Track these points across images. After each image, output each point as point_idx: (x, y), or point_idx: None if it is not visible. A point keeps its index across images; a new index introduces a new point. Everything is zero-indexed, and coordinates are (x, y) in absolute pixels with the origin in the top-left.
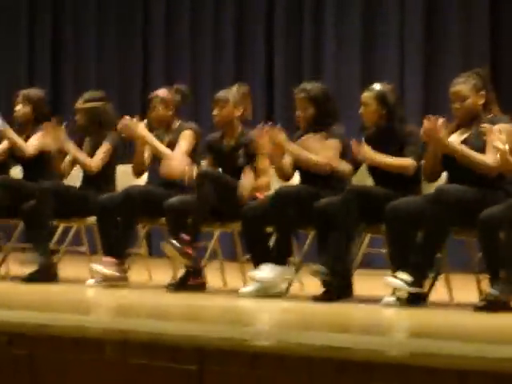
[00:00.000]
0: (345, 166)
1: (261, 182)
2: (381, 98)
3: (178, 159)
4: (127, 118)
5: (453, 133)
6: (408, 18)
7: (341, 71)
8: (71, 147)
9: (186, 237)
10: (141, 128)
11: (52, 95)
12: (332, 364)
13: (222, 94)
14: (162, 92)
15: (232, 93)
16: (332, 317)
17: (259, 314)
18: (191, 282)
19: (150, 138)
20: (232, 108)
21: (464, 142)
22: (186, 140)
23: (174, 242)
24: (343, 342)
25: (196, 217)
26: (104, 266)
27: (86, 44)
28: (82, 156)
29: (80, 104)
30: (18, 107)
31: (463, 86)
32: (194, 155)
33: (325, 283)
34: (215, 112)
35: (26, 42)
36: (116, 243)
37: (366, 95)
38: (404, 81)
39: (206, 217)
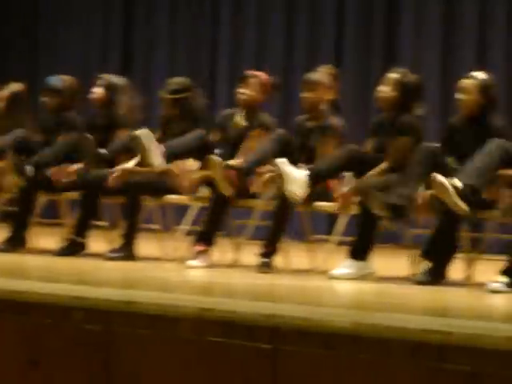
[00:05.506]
0: None
1: None
2: (484, 88)
3: None
4: None
5: None
6: None
7: None
8: None
9: None
10: None
11: None
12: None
13: (312, 76)
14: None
15: (321, 75)
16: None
17: (335, 295)
18: None
19: None
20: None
21: None
22: None
23: None
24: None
25: None
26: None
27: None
28: None
29: (166, 94)
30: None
31: None
32: None
33: None
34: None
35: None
36: None
37: (468, 82)
38: None
39: None
